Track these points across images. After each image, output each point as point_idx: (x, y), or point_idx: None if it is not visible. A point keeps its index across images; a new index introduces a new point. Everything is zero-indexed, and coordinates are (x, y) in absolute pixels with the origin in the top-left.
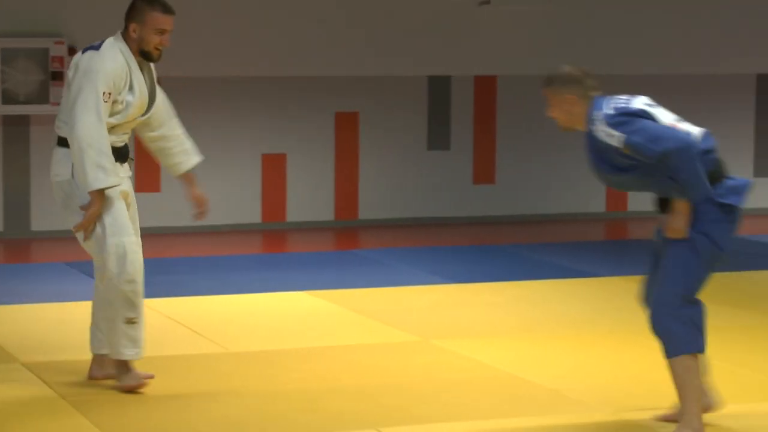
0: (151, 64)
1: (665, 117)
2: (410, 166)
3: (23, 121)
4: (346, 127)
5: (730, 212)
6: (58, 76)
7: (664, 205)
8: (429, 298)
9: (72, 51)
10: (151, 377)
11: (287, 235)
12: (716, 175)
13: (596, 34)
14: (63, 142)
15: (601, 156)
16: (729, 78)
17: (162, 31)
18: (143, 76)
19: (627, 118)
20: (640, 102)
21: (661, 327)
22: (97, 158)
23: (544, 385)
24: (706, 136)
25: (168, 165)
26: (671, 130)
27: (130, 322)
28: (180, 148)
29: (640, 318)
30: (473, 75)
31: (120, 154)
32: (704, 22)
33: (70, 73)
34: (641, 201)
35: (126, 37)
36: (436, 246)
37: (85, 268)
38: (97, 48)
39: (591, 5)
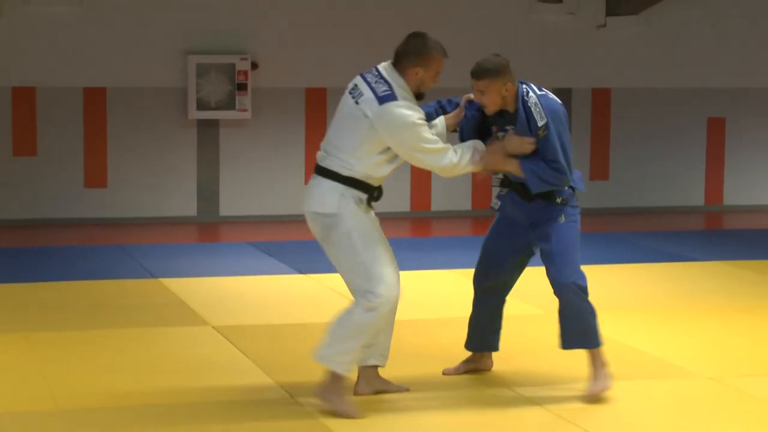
0: None
1: None
2: None
3: (214, 124)
4: None
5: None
6: (242, 87)
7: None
8: None
9: (254, 66)
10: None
11: (432, 222)
12: None
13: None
14: (328, 174)
15: None
16: None
17: (439, 73)
18: None
19: None
20: None
21: None
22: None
23: (651, 353)
24: None
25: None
26: None
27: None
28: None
29: (735, 297)
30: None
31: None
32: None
33: (367, 120)
34: (737, 196)
35: (406, 76)
36: None
37: (266, 248)
38: (392, 98)
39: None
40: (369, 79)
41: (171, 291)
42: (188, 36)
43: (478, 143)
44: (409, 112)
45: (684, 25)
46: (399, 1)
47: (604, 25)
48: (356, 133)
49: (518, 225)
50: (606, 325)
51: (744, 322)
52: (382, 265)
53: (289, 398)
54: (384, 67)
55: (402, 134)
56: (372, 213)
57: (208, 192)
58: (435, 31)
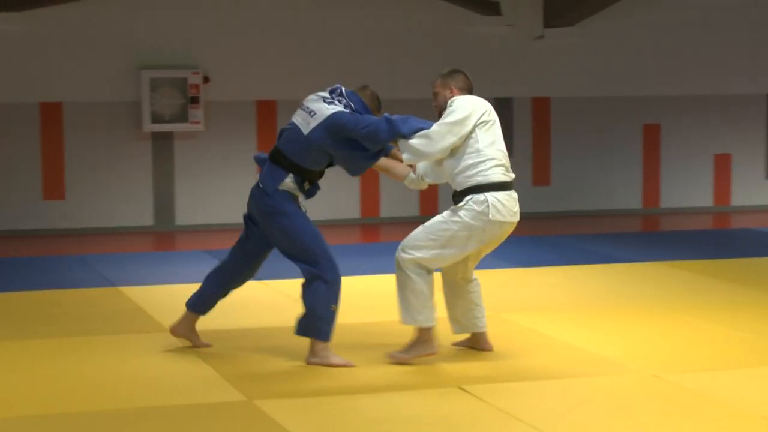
0: None
1: None
2: None
3: (168, 136)
4: None
5: None
6: (195, 100)
7: None
8: (497, 279)
9: (206, 80)
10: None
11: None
12: None
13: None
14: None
15: None
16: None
17: None
18: None
19: None
20: None
21: None
22: None
23: (592, 351)
24: None
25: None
26: None
27: None
28: None
29: (671, 296)
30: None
31: None
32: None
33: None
34: (674, 198)
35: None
36: None
37: (220, 255)
38: None
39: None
40: None
41: (130, 299)
42: (141, 51)
43: None
44: None
45: (618, 35)
46: (344, 16)
47: (542, 37)
48: None
49: None
50: (548, 325)
51: (680, 320)
52: None
53: (247, 401)
54: None
55: None
56: None
57: (164, 202)
58: (378, 46)
